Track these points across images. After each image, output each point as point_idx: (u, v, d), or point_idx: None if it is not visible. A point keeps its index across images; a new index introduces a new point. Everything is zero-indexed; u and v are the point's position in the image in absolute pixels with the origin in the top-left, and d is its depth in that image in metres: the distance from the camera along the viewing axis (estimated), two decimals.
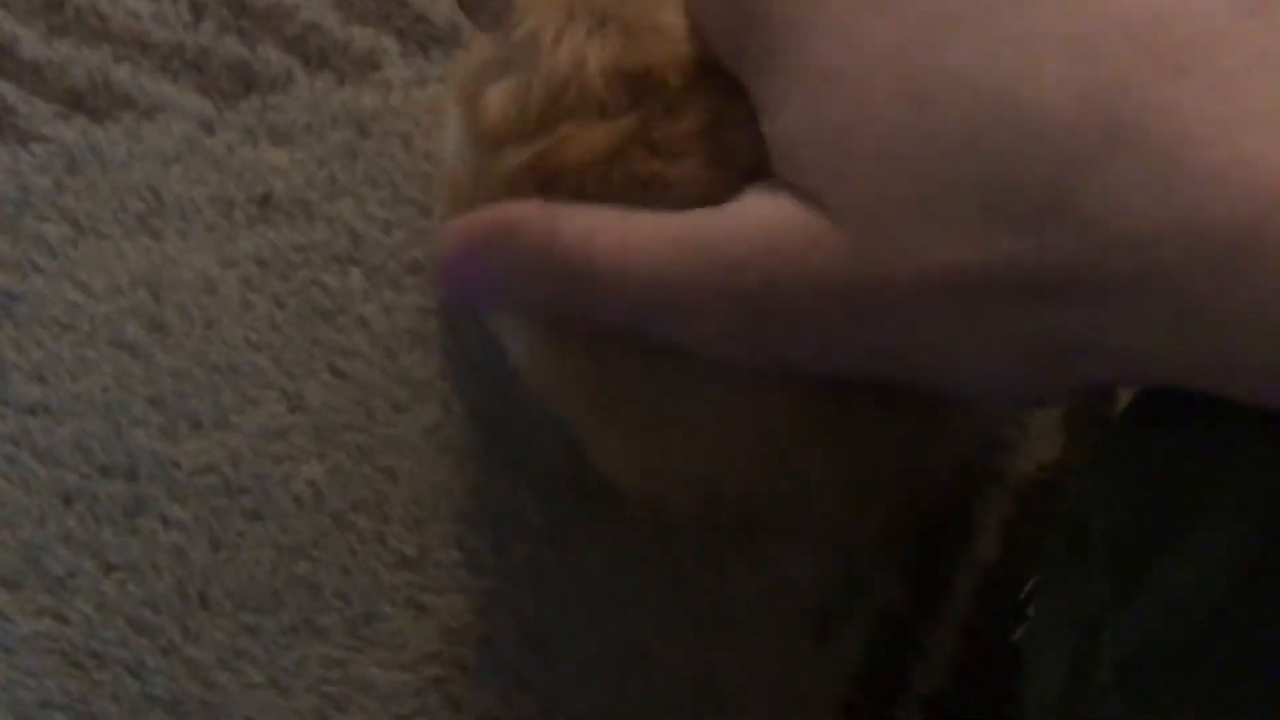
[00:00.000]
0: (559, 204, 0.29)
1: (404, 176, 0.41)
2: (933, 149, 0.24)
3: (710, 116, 0.29)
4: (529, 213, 0.29)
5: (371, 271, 0.40)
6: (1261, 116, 0.22)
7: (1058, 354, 0.25)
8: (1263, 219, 0.21)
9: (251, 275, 0.40)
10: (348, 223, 0.41)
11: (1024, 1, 0.24)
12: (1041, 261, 0.23)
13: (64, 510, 0.39)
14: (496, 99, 0.31)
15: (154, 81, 0.42)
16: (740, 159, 0.28)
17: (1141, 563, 0.27)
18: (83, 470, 0.39)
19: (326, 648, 0.39)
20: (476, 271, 0.30)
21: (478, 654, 0.39)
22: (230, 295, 0.40)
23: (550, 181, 0.30)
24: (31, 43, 0.41)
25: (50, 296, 0.40)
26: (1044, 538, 0.39)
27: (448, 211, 0.37)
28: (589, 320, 0.29)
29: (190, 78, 0.42)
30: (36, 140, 0.41)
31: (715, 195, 0.28)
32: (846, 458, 0.33)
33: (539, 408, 0.38)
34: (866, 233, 0.25)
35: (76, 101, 0.41)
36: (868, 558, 0.39)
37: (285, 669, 0.39)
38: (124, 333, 0.40)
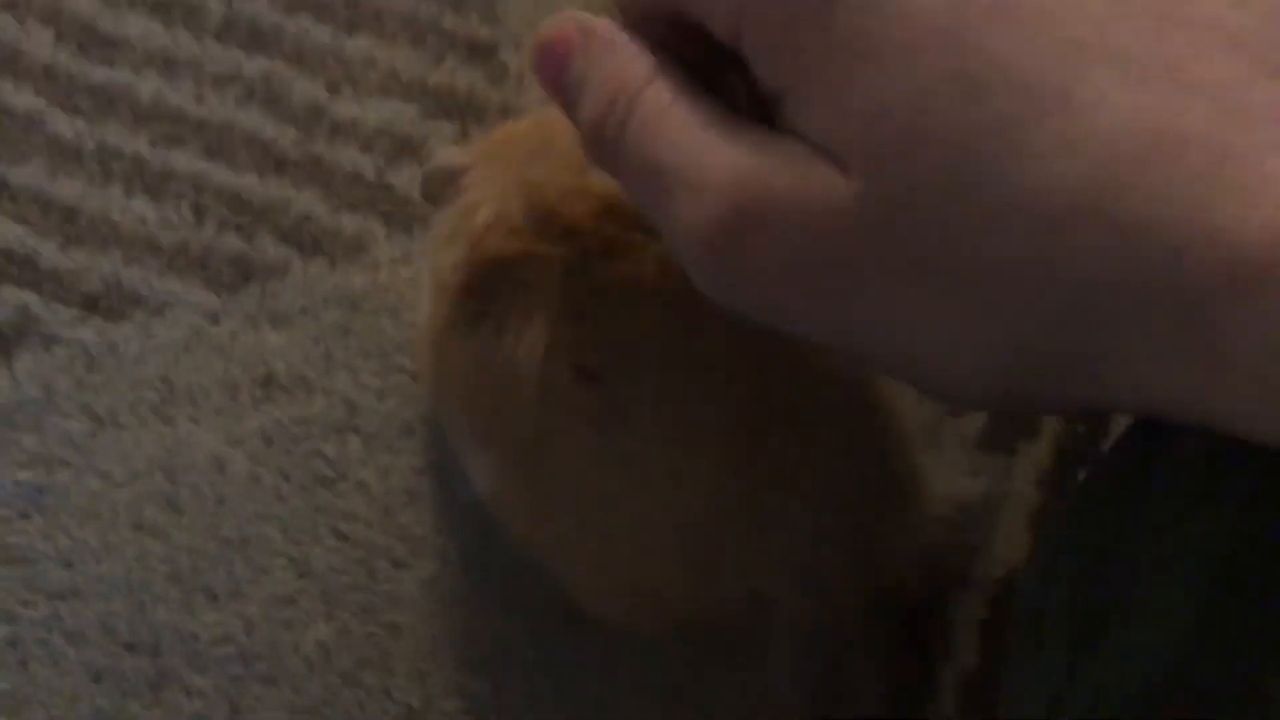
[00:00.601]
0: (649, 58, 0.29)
1: (393, 347, 0.44)
2: (971, 135, 0.24)
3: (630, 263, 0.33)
4: (626, 42, 0.29)
5: (368, 438, 0.43)
6: None
7: (1050, 363, 0.24)
8: None
9: (258, 452, 0.43)
10: (344, 394, 0.44)
11: (1080, 11, 0.24)
12: (1059, 263, 0.23)
13: (93, 688, 0.41)
14: (445, 261, 0.34)
15: (162, 280, 0.45)
16: None
17: (1094, 632, 0.27)
18: (109, 649, 0.41)
19: None
20: (568, 53, 0.30)
21: None
22: (239, 472, 0.43)
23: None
24: (50, 254, 0.45)
25: (75, 487, 0.43)
26: None
27: (420, 356, 0.41)
28: (616, 162, 0.29)
29: (195, 273, 0.45)
30: (58, 343, 0.44)
31: None
32: (790, 564, 0.34)
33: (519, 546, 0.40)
34: (886, 210, 0.24)
35: (93, 304, 0.45)
36: (851, 667, 0.40)
37: None
38: (143, 515, 0.42)
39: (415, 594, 0.42)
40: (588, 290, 0.33)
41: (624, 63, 0.29)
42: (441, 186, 0.38)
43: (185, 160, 0.47)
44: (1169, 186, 0.22)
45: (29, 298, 0.45)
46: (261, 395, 0.44)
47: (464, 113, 0.48)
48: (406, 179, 0.46)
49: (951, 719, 0.41)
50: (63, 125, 0.47)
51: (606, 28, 0.30)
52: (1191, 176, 0.22)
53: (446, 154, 0.39)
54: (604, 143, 0.29)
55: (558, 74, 0.31)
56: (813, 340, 0.27)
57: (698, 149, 0.27)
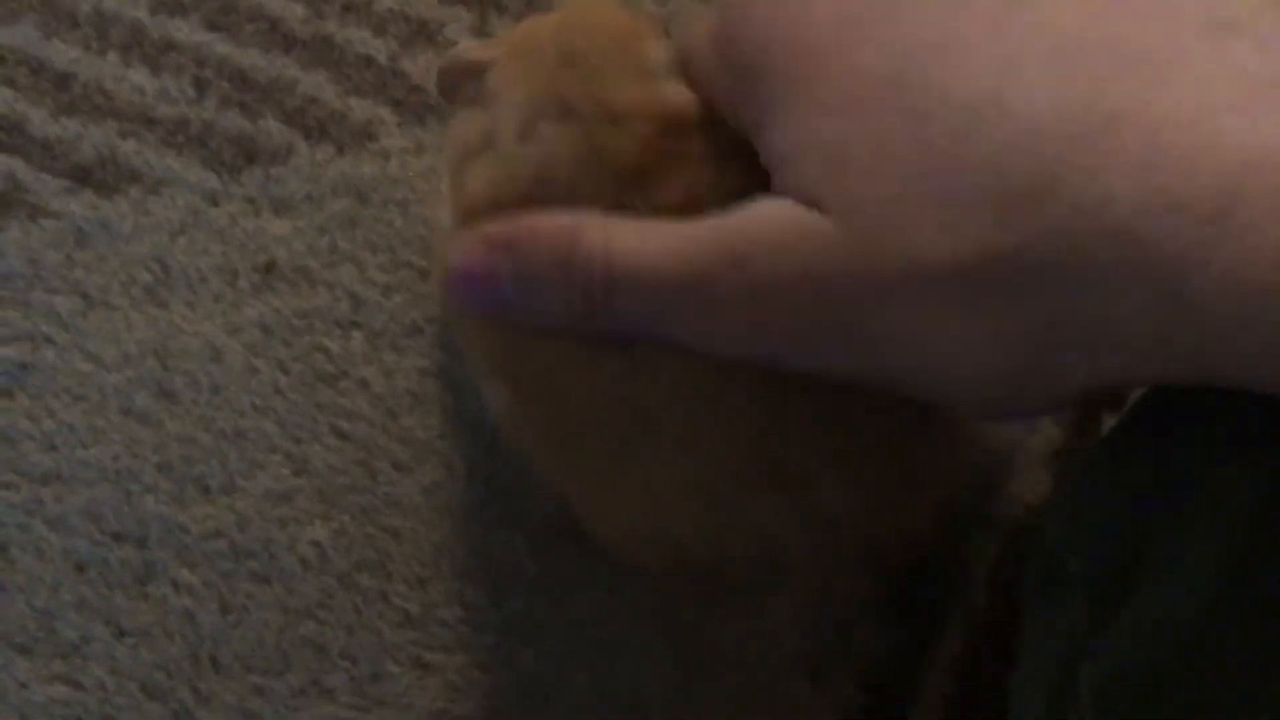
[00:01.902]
0: (577, 213, 0.31)
1: (402, 242, 0.42)
2: (924, 153, 0.26)
3: (682, 187, 0.30)
4: (549, 220, 0.31)
5: (372, 335, 0.41)
6: (1231, 107, 0.23)
7: (1043, 350, 0.26)
8: (1239, 185, 0.22)
9: (256, 342, 0.41)
10: (348, 288, 0.42)
11: (1003, 28, 0.26)
12: (1023, 250, 0.24)
13: (77, 577, 0.39)
14: (475, 179, 0.32)
15: (159, 156, 0.43)
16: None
17: (1118, 591, 0.27)
18: (94, 537, 0.40)
19: (334, 708, 0.39)
20: (493, 275, 0.31)
21: (481, 709, 0.39)
22: (236, 362, 0.41)
23: None
24: (40, 120, 0.43)
25: (61, 367, 0.41)
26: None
27: (436, 260, 0.39)
28: (604, 326, 0.30)
29: (194, 151, 0.43)
30: (46, 215, 0.42)
31: None
32: (805, 511, 0.33)
33: (529, 463, 0.38)
34: (861, 229, 0.26)
35: (84, 177, 0.43)
36: (854, 606, 0.40)
37: None
38: (133, 401, 0.41)
39: (417, 499, 0.40)
40: None
41: (567, 242, 0.30)
42: (459, 81, 0.35)
43: (187, 31, 0.44)
44: (1111, 159, 0.23)
45: (16, 164, 0.42)
46: (261, 283, 0.42)
47: (482, 1, 0.46)
48: (421, 66, 0.44)
49: (958, 657, 0.40)
50: None
51: (513, 226, 0.31)
52: (1128, 149, 0.23)
53: (467, 48, 0.37)
54: (596, 321, 0.30)
55: (491, 299, 0.31)
56: (828, 374, 0.29)
57: (689, 254, 0.29)
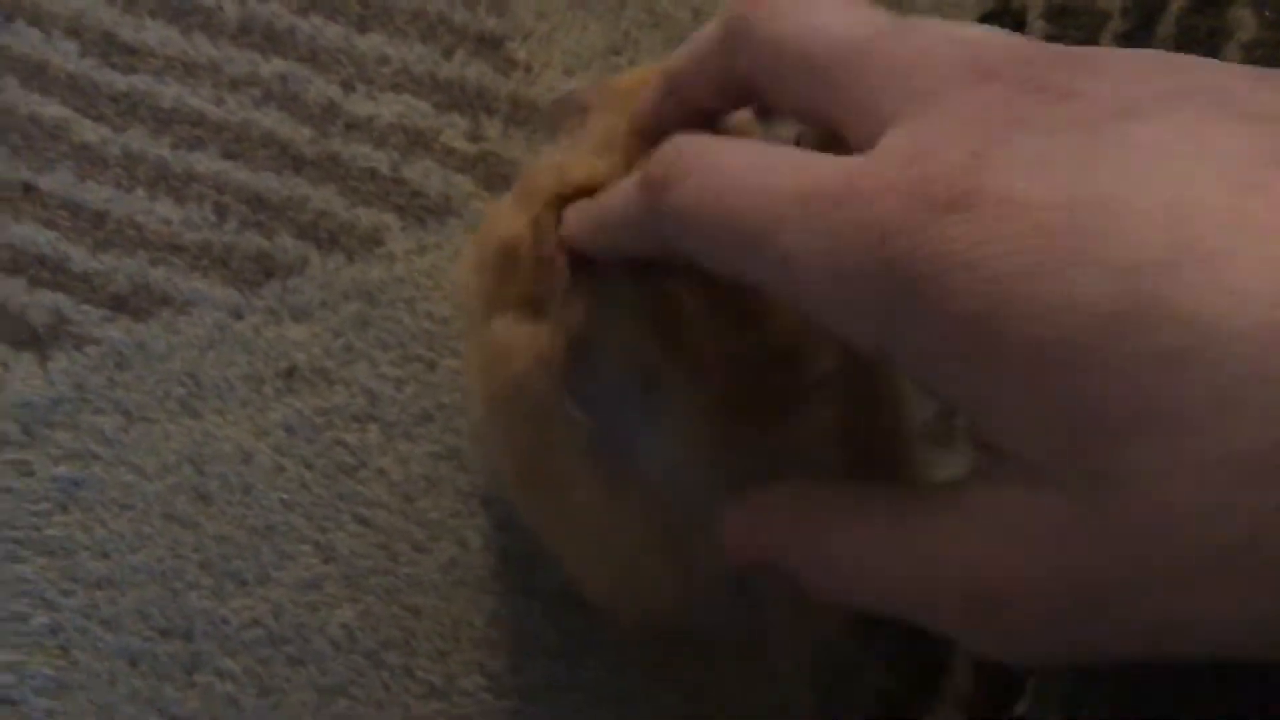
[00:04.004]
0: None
1: (410, 337, 0.45)
2: (1195, 407, 0.21)
3: None
4: (800, 528, 0.28)
5: (387, 426, 0.45)
6: None
7: None
8: None
9: (281, 442, 0.45)
10: (364, 384, 0.45)
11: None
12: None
13: (130, 672, 0.43)
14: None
15: (186, 279, 0.47)
16: None
17: None
18: (145, 634, 0.43)
19: None
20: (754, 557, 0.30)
21: None
22: (264, 462, 0.44)
23: None
24: (80, 258, 0.47)
25: (108, 480, 0.44)
26: None
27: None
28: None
29: (218, 271, 0.47)
30: (89, 343, 0.46)
31: None
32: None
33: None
34: (1115, 508, 0.22)
35: (121, 304, 0.47)
36: (856, 646, 0.41)
37: None
38: (174, 506, 0.44)
39: (435, 577, 0.43)
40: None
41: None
42: (564, 117, 0.38)
43: (206, 162, 0.48)
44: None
45: (61, 300, 0.47)
46: (284, 387, 0.45)
47: (474, 105, 0.49)
48: (419, 173, 0.48)
49: (965, 688, 0.41)
50: (88, 132, 0.48)
51: None
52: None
53: (583, 89, 0.39)
54: None
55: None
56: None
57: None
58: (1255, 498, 0.20)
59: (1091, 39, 0.48)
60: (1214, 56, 0.38)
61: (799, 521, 0.28)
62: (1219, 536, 0.21)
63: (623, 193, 0.30)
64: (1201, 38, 0.47)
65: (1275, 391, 0.20)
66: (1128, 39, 0.48)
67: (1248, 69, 0.24)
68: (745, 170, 0.26)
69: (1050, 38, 0.49)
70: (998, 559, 0.23)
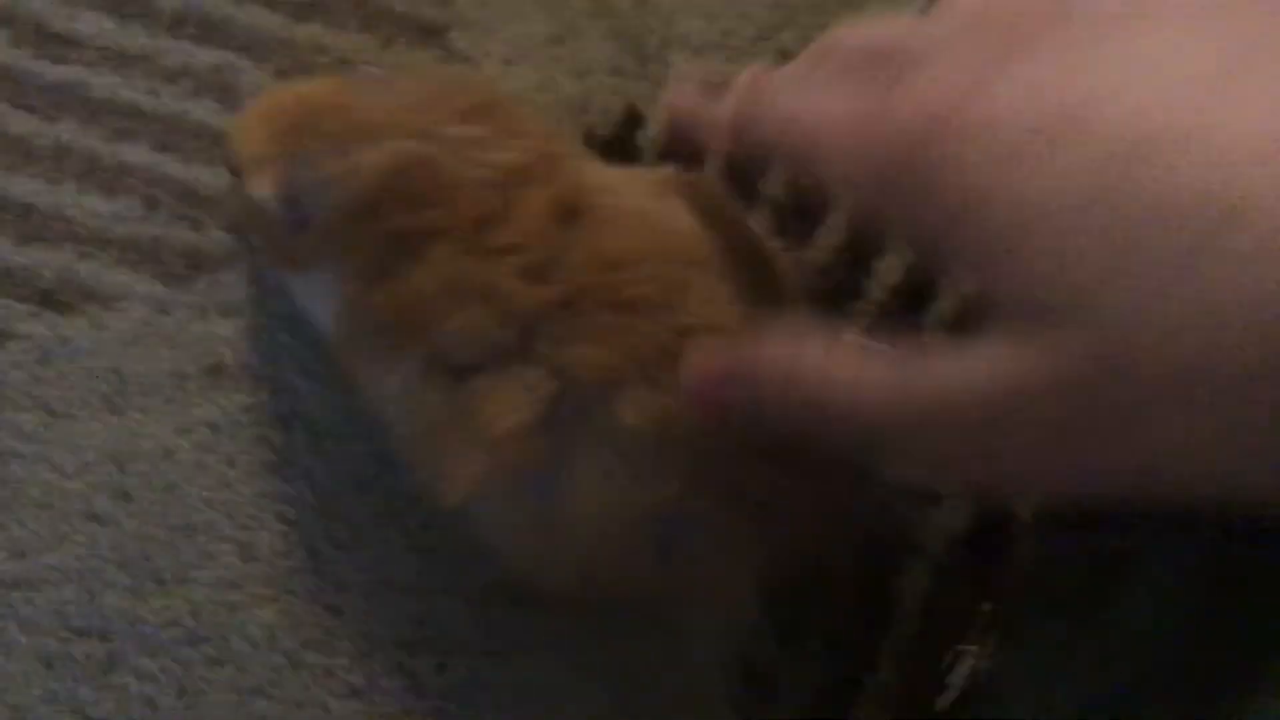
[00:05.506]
0: (795, 339, 0.31)
1: None
2: (1163, 261, 0.24)
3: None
4: (769, 351, 0.31)
5: (312, 425, 0.44)
6: None
7: None
8: None
9: (205, 440, 0.44)
10: (290, 382, 0.44)
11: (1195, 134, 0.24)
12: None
13: (46, 673, 0.42)
14: None
15: (113, 273, 0.46)
16: None
17: (1101, 596, 0.27)
18: (61, 635, 0.42)
19: None
20: (722, 400, 0.32)
21: None
22: (187, 460, 0.44)
23: None
24: (5, 251, 0.46)
25: (27, 479, 0.43)
26: (962, 608, 0.40)
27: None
28: (822, 447, 0.30)
29: (146, 266, 0.46)
30: (12, 339, 0.45)
31: None
32: (726, 559, 0.34)
33: (471, 530, 0.40)
34: (1104, 343, 0.25)
35: (46, 299, 0.46)
36: (778, 638, 0.40)
37: None
38: (93, 505, 0.43)
39: (358, 577, 0.42)
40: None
41: (783, 377, 0.30)
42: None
43: (138, 154, 0.47)
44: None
45: None
46: (209, 384, 0.44)
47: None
48: None
49: (890, 685, 0.41)
50: (17, 124, 0.48)
51: (736, 360, 0.32)
52: None
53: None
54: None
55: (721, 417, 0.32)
56: (1097, 495, 0.27)
57: (903, 405, 0.28)
58: (1213, 322, 0.23)
59: None
60: None
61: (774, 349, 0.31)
62: (1177, 357, 0.23)
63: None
64: None
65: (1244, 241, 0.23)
66: None
67: None
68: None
69: None
70: (1000, 380, 0.26)
